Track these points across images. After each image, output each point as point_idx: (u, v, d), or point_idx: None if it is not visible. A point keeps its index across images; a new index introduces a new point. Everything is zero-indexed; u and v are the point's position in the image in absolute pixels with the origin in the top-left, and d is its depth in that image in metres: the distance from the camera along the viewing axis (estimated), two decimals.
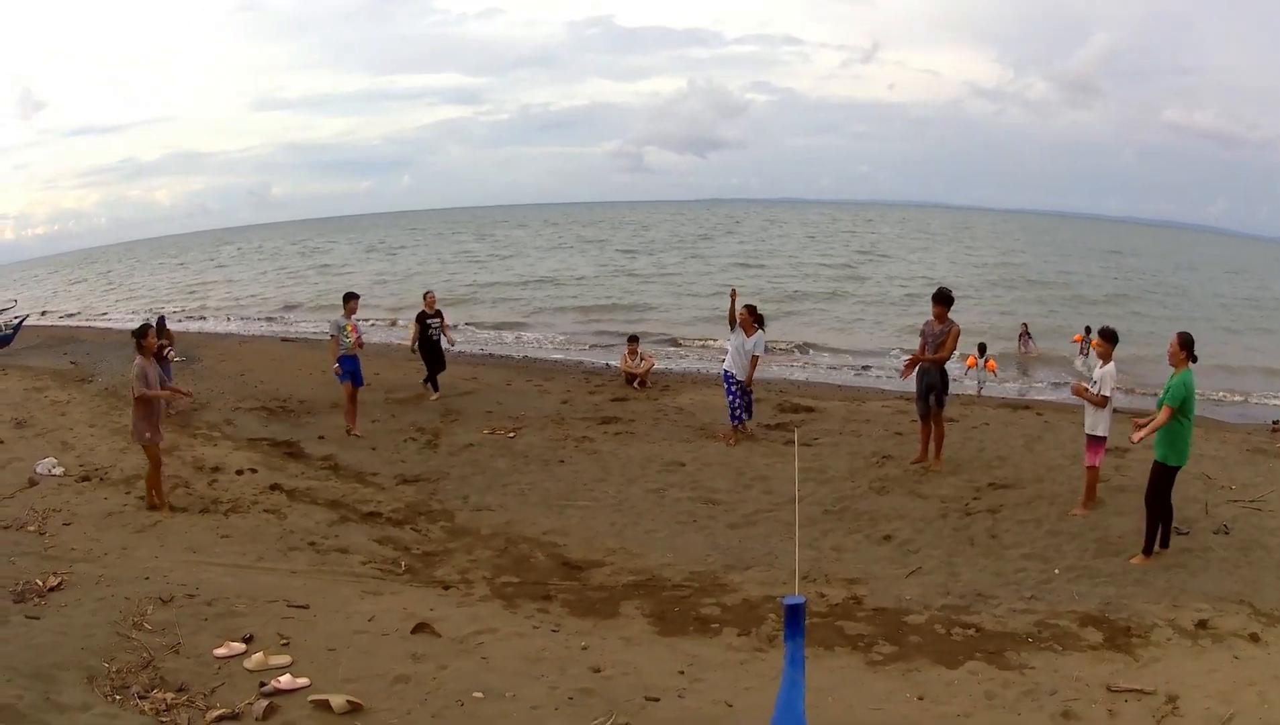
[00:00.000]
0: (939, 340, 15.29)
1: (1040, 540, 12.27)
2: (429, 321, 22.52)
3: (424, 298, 23.20)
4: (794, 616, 4.74)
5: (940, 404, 15.49)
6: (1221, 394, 26.71)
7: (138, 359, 13.09)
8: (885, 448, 16.89)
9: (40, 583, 9.35)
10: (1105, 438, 13.02)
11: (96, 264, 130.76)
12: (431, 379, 22.82)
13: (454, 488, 15.49)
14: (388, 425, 19.83)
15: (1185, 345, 11.40)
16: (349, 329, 19.11)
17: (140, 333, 13.41)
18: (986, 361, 26.94)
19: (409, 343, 22.87)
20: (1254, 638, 9.29)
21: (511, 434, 18.85)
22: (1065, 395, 22.27)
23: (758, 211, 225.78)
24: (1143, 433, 11.47)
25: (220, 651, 7.87)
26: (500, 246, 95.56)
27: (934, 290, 15.80)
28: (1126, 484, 13.70)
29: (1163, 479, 11.41)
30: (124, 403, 18.64)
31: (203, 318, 48.93)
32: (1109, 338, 13.06)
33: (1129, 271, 70.71)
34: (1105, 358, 13.00)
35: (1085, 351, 28.80)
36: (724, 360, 18.50)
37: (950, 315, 15.28)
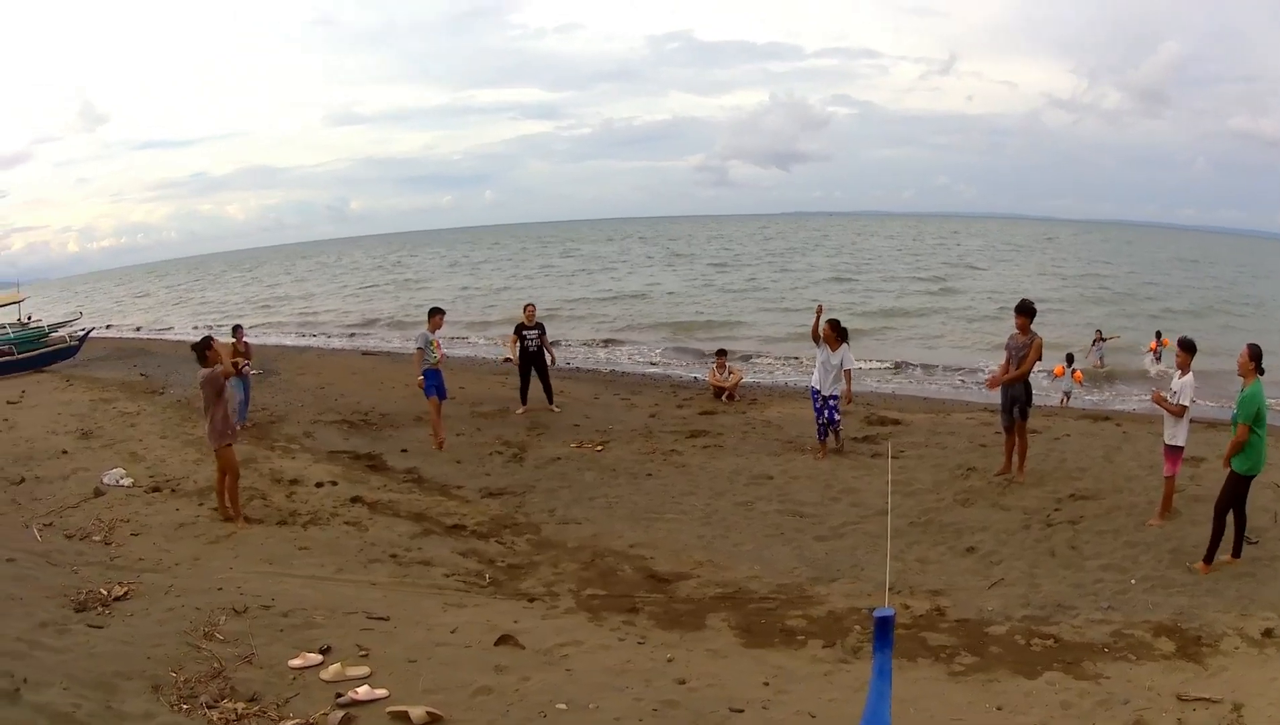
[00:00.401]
0: (1021, 353, 15.29)
1: (1118, 551, 12.30)
2: (526, 333, 22.32)
3: (524, 310, 22.91)
4: (883, 629, 4.78)
5: (1024, 416, 15.46)
6: None
7: (202, 369, 13.21)
8: (970, 460, 16.83)
9: (104, 592, 9.34)
10: (1183, 448, 13.04)
11: (166, 277, 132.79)
12: (523, 392, 22.71)
13: (540, 501, 15.38)
14: (473, 439, 19.81)
15: (1255, 357, 11.54)
16: (435, 344, 19.20)
17: (204, 345, 13.52)
18: (1074, 372, 27.03)
19: (507, 355, 23.16)
20: None
21: (599, 448, 18.78)
22: (1144, 406, 22.03)
23: (842, 224, 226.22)
24: (1226, 456, 11.55)
25: (296, 662, 7.77)
26: (587, 261, 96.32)
27: (1017, 302, 15.77)
28: (1202, 494, 13.57)
29: (1236, 488, 11.43)
30: (197, 415, 18.70)
31: (281, 332, 49.21)
32: (1188, 348, 13.04)
33: (1208, 281, 70.27)
34: (1184, 368, 12.96)
35: (1159, 357, 29.07)
36: (811, 375, 18.30)
37: (1034, 327, 15.28)
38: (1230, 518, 11.52)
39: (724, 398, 24.23)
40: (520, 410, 22.35)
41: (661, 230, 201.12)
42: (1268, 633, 9.52)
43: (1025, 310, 15.39)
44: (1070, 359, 27.04)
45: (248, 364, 21.24)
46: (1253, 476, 11.46)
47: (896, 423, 20.66)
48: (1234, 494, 11.40)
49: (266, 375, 27.20)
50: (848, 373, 17.65)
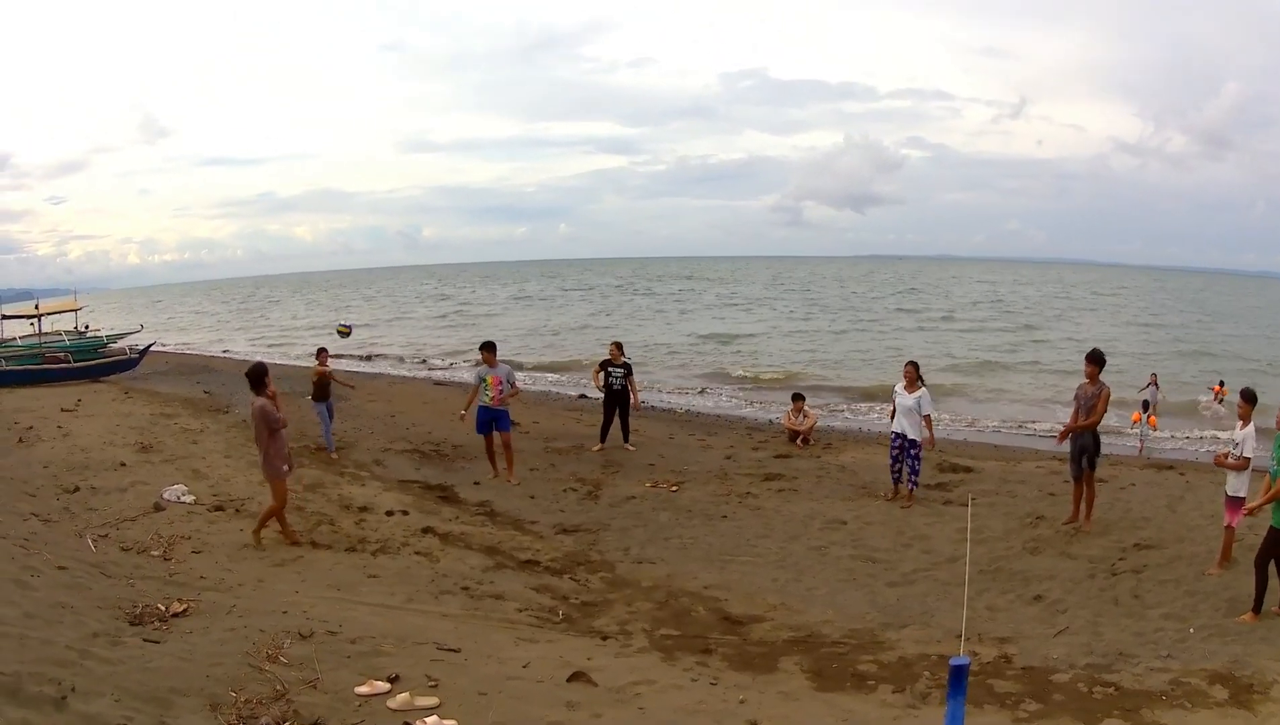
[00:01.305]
0: (1090, 403, 15.51)
1: (1179, 600, 12.39)
2: (611, 370, 22.37)
3: (609, 348, 23.02)
4: (957, 677, 4.80)
5: (1092, 466, 15.58)
6: None
7: (259, 400, 13.17)
8: (1039, 508, 16.90)
9: (162, 607, 9.38)
10: (1245, 498, 12.96)
11: (232, 294, 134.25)
12: (604, 430, 22.72)
13: (614, 539, 15.46)
14: (547, 474, 19.88)
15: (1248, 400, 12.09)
16: (490, 382, 19.21)
17: (259, 372, 13.48)
18: (1149, 417, 27.50)
19: (597, 385, 22.93)
20: None
21: (674, 488, 18.77)
22: (1206, 456, 21.97)
23: (920, 268, 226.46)
24: (1258, 504, 11.82)
25: (363, 690, 7.73)
26: (667, 301, 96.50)
27: (1089, 351, 16.11)
28: (1253, 542, 13.30)
29: (1275, 542, 11.48)
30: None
31: (359, 357, 49.45)
32: (1249, 399, 13.15)
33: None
34: (1245, 419, 13.03)
35: (1220, 400, 29.69)
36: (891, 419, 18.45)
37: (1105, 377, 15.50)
38: (1273, 568, 11.58)
39: (799, 441, 24.16)
40: (597, 448, 22.41)
41: (739, 269, 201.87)
42: None
43: (1096, 359, 15.69)
44: (1146, 406, 27.77)
45: (331, 386, 21.32)
46: None
47: (968, 470, 20.69)
48: (1276, 547, 11.46)
49: (338, 401, 27.41)
50: (928, 418, 17.78)
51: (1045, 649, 11.02)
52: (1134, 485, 18.42)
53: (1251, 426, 12.91)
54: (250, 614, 9.50)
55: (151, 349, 39.23)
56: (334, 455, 20.56)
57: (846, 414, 32.74)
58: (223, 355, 50.62)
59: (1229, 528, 13.15)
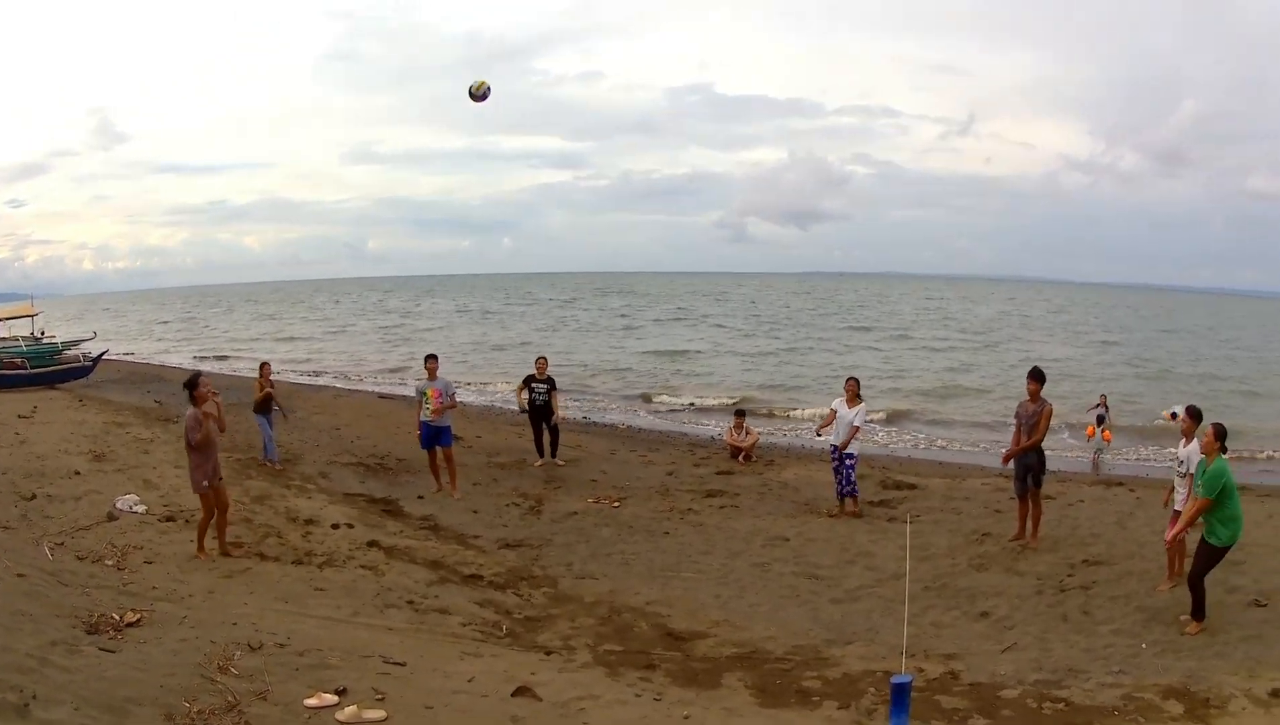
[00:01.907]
0: (1033, 421, 15.54)
1: (1130, 616, 12.42)
2: (534, 385, 22.33)
3: (535, 362, 22.99)
4: (899, 694, 4.92)
5: (1038, 484, 15.61)
6: None
7: (190, 409, 13.11)
8: (984, 525, 16.94)
9: (116, 616, 9.35)
10: None
11: (181, 304, 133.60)
12: (538, 445, 22.70)
13: (557, 554, 15.52)
14: (490, 489, 19.96)
15: (1219, 436, 11.78)
16: (430, 395, 19.22)
17: (191, 383, 13.43)
18: (1103, 432, 27.82)
19: (519, 403, 22.86)
20: None
21: (616, 503, 18.88)
22: (1158, 472, 22.10)
23: (868, 285, 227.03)
24: (1177, 530, 12.10)
25: (311, 702, 7.76)
26: (613, 316, 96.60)
27: (1030, 368, 16.23)
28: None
29: (1212, 558, 11.68)
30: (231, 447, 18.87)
31: (295, 370, 49.30)
32: (1196, 417, 13.19)
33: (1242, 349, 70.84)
34: (1190, 436, 13.08)
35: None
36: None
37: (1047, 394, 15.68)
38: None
39: (741, 458, 24.30)
40: (538, 463, 22.42)
41: (681, 286, 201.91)
42: (1275, 693, 9.65)
43: (1038, 377, 15.75)
44: (1100, 420, 27.94)
45: (275, 402, 21.34)
46: (1229, 547, 11.66)
47: (912, 487, 20.86)
48: (1210, 562, 11.66)
49: (282, 412, 27.36)
50: (854, 428, 18.04)
51: (992, 665, 11.07)
52: (1083, 502, 18.55)
53: (1196, 443, 12.79)
54: (201, 625, 9.50)
55: (104, 357, 39.12)
56: (278, 466, 20.57)
57: (787, 430, 32.79)
58: (174, 366, 50.29)
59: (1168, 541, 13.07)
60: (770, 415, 36.25)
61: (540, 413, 22.46)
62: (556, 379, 22.80)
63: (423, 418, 19.20)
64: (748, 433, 25.24)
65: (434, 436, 19.30)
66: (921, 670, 10.76)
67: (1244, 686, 9.87)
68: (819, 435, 18.94)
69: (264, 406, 21.10)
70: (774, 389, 43.32)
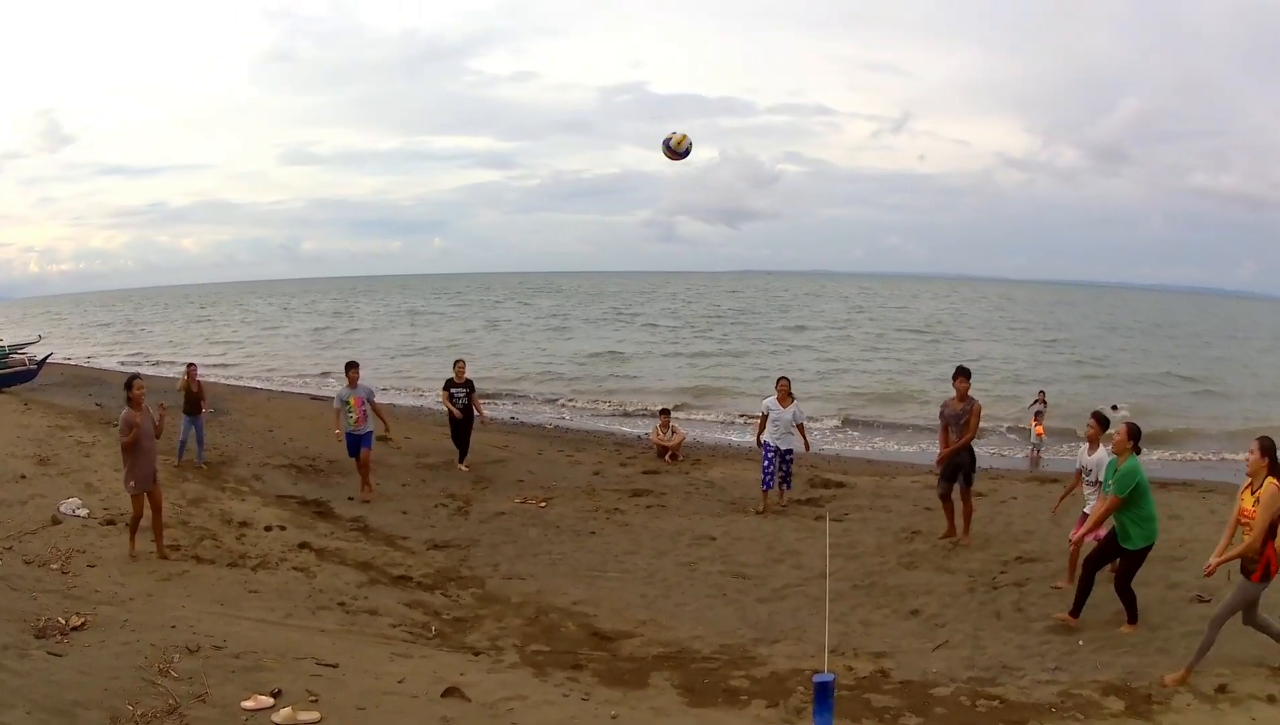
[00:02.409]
0: (962, 420, 15.53)
1: (1065, 612, 12.17)
2: (454, 391, 22.18)
3: (454, 366, 22.78)
4: (823, 694, 4.84)
5: (968, 482, 15.67)
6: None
7: (125, 409, 13.22)
8: (914, 523, 17.07)
9: (63, 620, 9.39)
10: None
11: (122, 307, 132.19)
12: (461, 450, 22.55)
13: (485, 555, 15.55)
14: (418, 490, 20.00)
15: (1133, 436, 11.68)
16: (352, 403, 19.07)
17: (127, 384, 13.58)
18: (1037, 428, 28.32)
19: (449, 411, 22.45)
20: (1271, 699, 9.36)
21: (543, 504, 18.95)
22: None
23: (799, 283, 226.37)
24: (1084, 531, 12.10)
25: (248, 704, 7.88)
26: (543, 316, 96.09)
27: (956, 366, 16.21)
28: (1153, 555, 13.50)
29: (1131, 563, 11.63)
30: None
31: (230, 370, 49.10)
32: (1102, 422, 13.19)
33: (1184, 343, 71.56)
34: (1095, 443, 13.14)
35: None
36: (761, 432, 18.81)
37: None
38: (1086, 582, 11.84)
39: (667, 457, 24.38)
40: (462, 466, 22.27)
41: (611, 285, 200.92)
42: (1221, 688, 9.61)
43: (965, 374, 15.73)
44: (1039, 416, 28.52)
45: (204, 401, 21.38)
46: (1148, 548, 11.62)
47: (840, 485, 20.97)
48: (1133, 568, 11.62)
49: (217, 414, 27.23)
50: (801, 426, 18.47)
51: (924, 663, 11.06)
52: (1015, 498, 18.68)
53: (1103, 450, 12.89)
54: (142, 628, 9.56)
55: (49, 361, 38.86)
56: (202, 466, 20.64)
57: (715, 429, 33.08)
58: (112, 368, 49.89)
59: (1073, 541, 13.07)
60: (702, 411, 36.44)
61: (459, 418, 22.34)
62: (487, 381, 22.85)
63: (347, 428, 19.06)
64: (674, 432, 25.35)
65: (359, 443, 19.17)
66: (851, 669, 10.82)
67: (1188, 682, 9.85)
68: (759, 443, 18.89)
69: (192, 407, 21.17)
70: (706, 392, 42.77)
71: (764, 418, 18.80)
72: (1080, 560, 12.84)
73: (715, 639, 11.97)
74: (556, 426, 32.87)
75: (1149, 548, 11.63)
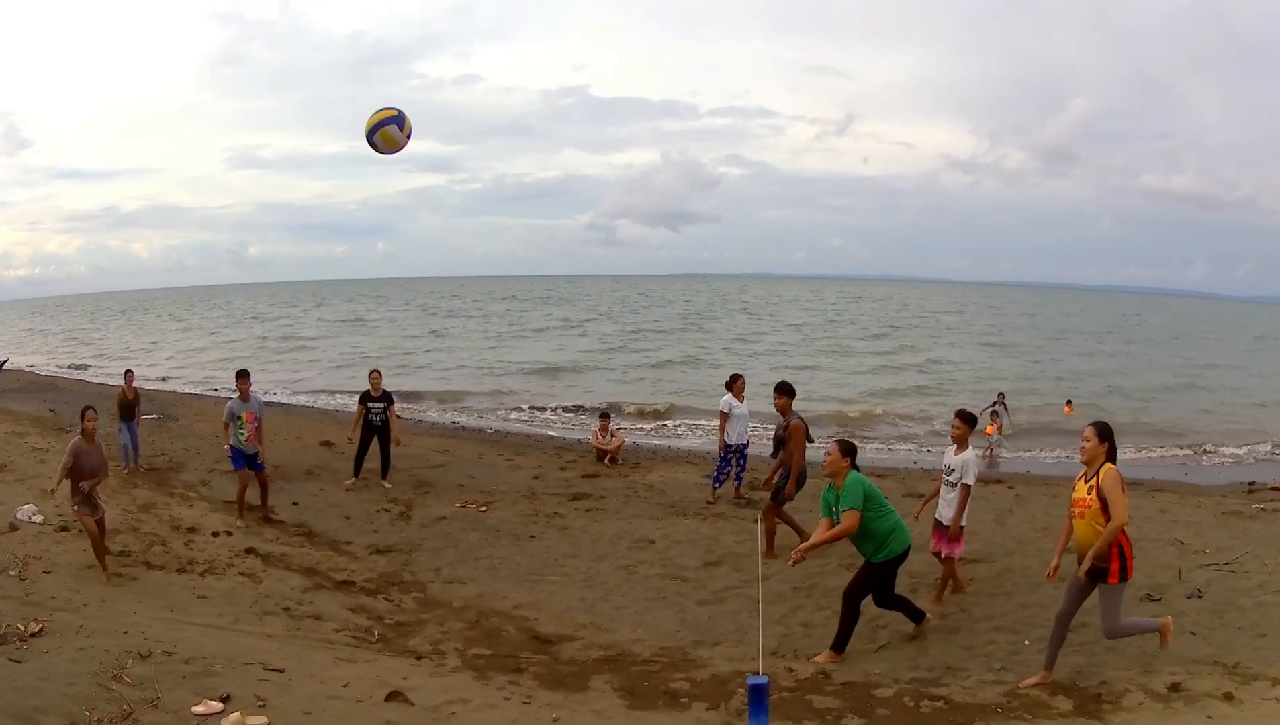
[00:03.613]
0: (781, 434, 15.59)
1: (1011, 613, 12.27)
2: (372, 406, 20.78)
3: (369, 377, 21.40)
4: (758, 695, 4.91)
5: (774, 499, 15.61)
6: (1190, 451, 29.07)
7: (77, 437, 13.08)
8: None
9: (21, 627, 9.41)
10: (964, 527, 12.68)
11: (72, 312, 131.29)
12: (358, 462, 21.10)
13: (426, 559, 15.58)
14: (360, 495, 20.00)
15: (847, 453, 11.17)
16: (244, 418, 17.67)
17: (82, 414, 13.46)
18: (987, 426, 28.51)
19: (349, 432, 21.51)
20: (1228, 697, 9.20)
21: (483, 508, 18.97)
22: (1037, 469, 22.37)
23: (744, 286, 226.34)
24: (807, 547, 11.07)
25: (199, 709, 7.92)
26: (486, 321, 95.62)
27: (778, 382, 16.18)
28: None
29: (875, 575, 11.15)
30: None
31: (178, 379, 48.82)
32: (969, 421, 12.75)
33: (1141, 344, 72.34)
34: (962, 443, 12.64)
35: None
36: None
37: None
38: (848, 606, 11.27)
39: (607, 461, 24.47)
40: (349, 483, 20.83)
41: (554, 289, 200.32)
42: (1174, 687, 9.49)
43: (784, 391, 15.77)
44: (995, 416, 29.03)
45: (138, 406, 21.56)
46: (893, 559, 11.08)
47: (729, 487, 20.73)
48: (871, 581, 11.19)
49: (165, 421, 27.17)
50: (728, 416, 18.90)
51: (865, 664, 10.96)
52: None
53: (971, 451, 12.60)
54: (96, 634, 9.60)
55: (5, 366, 38.72)
56: (141, 468, 21.04)
57: (653, 432, 33.25)
58: (65, 374, 49.62)
59: (949, 559, 12.74)
60: (639, 415, 36.49)
61: (377, 432, 20.90)
62: (426, 387, 22.68)
63: (235, 443, 17.60)
64: (613, 435, 25.48)
65: (249, 460, 17.75)
66: (792, 670, 10.75)
67: (1140, 681, 9.78)
68: (722, 444, 19.16)
69: (128, 413, 21.24)
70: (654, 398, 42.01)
71: (725, 416, 19.03)
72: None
73: (655, 642, 11.96)
74: (497, 431, 32.89)
75: (897, 561, 11.20)
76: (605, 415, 26.69)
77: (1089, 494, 9.45)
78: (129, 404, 21.45)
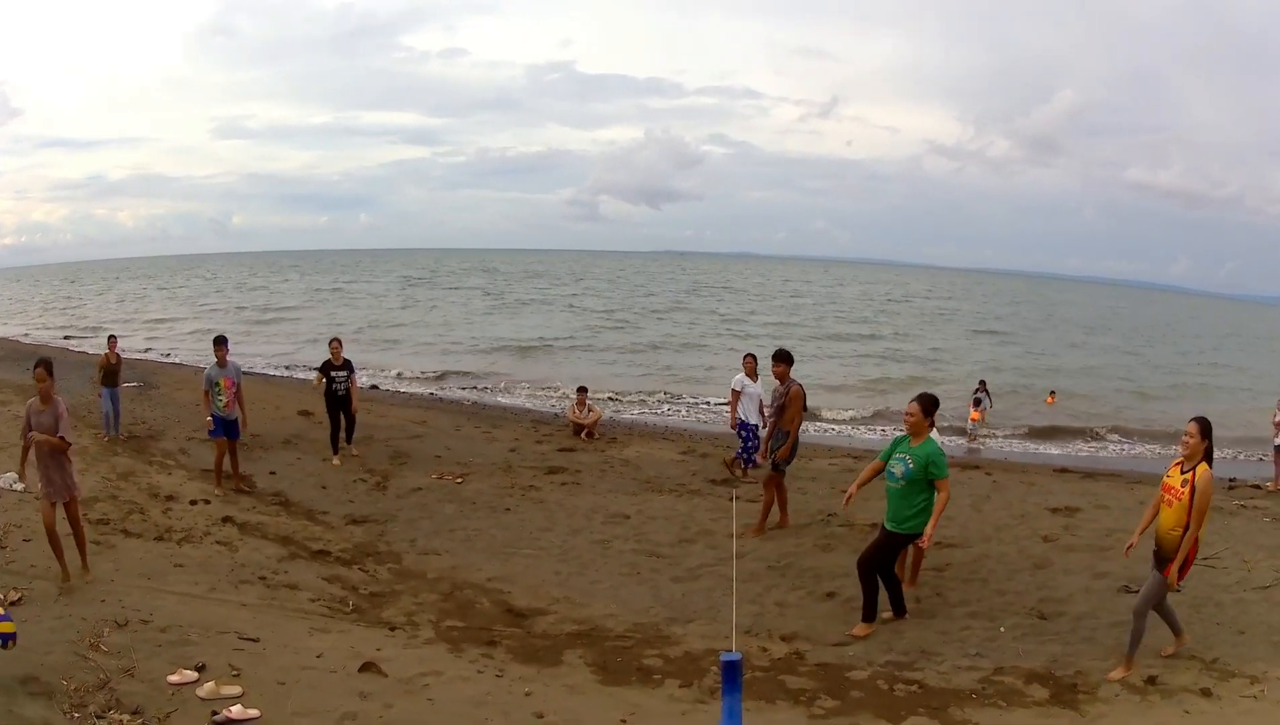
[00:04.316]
0: (778, 403, 15.26)
1: (987, 599, 12.22)
2: (334, 374, 20.37)
3: (330, 346, 20.80)
4: (731, 672, 4.84)
5: (775, 468, 15.36)
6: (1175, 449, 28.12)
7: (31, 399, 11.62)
8: (831, 505, 16.70)
9: (1, 595, 9.39)
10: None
11: (57, 280, 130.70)
12: (334, 439, 20.70)
13: (401, 530, 15.56)
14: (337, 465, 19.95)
15: (928, 410, 11.06)
16: (223, 384, 17.33)
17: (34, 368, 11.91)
18: (973, 414, 29.01)
19: (314, 382, 21.45)
20: (1205, 692, 9.19)
21: (459, 479, 18.96)
22: (1019, 456, 22.31)
23: (726, 266, 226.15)
24: (931, 531, 10.80)
25: (174, 678, 7.93)
26: (468, 295, 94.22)
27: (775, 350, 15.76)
28: (1075, 543, 13.69)
29: (896, 544, 11.25)
30: (82, 424, 18.68)
31: (162, 348, 48.59)
32: (929, 409, 11.30)
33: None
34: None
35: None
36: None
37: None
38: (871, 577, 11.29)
39: (583, 435, 24.44)
40: (335, 460, 20.48)
41: (540, 264, 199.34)
42: (1151, 680, 9.48)
43: (783, 358, 15.36)
44: (978, 402, 29.20)
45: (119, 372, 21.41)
46: (915, 533, 10.99)
47: (757, 466, 20.61)
48: (892, 550, 11.30)
49: (146, 388, 27.10)
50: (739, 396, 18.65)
51: (840, 646, 10.93)
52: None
53: (934, 433, 11.67)
54: (73, 603, 9.59)
55: None
56: (121, 436, 20.97)
57: (630, 407, 33.24)
58: (49, 342, 49.34)
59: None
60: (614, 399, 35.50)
61: (340, 403, 20.55)
62: (405, 361, 22.58)
63: (215, 411, 17.24)
64: (590, 410, 25.44)
65: (227, 428, 17.39)
66: (766, 650, 10.73)
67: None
68: (735, 422, 18.94)
69: (111, 379, 21.17)
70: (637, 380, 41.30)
71: (737, 394, 18.89)
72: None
73: (629, 618, 11.92)
74: (475, 403, 32.89)
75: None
76: (583, 389, 26.53)
77: (1183, 487, 9.55)
78: (113, 370, 21.34)
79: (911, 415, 11.12)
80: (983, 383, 30.91)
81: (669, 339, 56.87)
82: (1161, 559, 9.77)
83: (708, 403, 34.36)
